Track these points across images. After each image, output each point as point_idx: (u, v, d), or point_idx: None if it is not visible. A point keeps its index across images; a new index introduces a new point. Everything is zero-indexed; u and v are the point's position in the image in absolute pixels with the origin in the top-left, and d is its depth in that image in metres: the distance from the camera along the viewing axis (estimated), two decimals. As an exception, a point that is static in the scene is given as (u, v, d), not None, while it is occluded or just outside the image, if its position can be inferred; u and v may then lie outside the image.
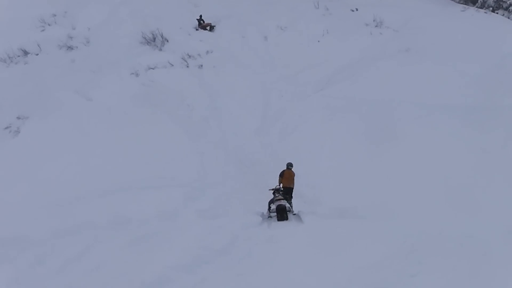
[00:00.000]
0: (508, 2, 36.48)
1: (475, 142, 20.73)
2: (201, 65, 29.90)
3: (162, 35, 31.80)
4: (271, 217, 17.74)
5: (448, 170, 19.62)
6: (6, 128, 24.10)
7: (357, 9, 35.06)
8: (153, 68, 28.80)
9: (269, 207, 17.96)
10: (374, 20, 32.89)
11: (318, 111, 25.22)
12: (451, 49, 28.01)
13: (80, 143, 22.12)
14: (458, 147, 20.68)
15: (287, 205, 17.62)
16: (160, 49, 31.15)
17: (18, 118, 24.49)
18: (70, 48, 30.52)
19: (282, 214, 17.42)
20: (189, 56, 30.41)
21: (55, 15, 33.70)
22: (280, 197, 17.79)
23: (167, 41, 31.75)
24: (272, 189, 18.39)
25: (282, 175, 18.53)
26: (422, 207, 17.34)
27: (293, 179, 18.57)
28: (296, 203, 18.81)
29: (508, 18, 35.51)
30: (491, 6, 37.15)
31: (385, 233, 14.46)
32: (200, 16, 34.36)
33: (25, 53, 29.93)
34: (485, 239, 13.15)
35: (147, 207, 17.40)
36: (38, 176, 19.98)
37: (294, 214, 17.82)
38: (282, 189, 18.28)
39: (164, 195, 18.60)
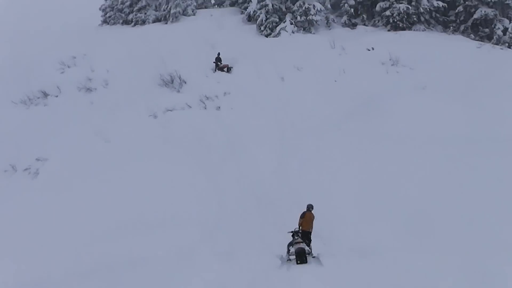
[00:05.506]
0: (523, 38, 36.64)
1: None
2: (219, 107, 30.06)
3: (180, 77, 32.14)
4: (290, 260, 17.50)
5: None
6: (26, 169, 24.31)
7: (373, 48, 35.21)
8: (171, 110, 29.02)
9: (288, 250, 17.72)
10: (390, 59, 33.03)
11: (335, 148, 25.15)
12: (467, 85, 28.05)
13: (98, 184, 22.21)
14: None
15: (307, 248, 17.37)
16: (178, 91, 31.46)
17: (37, 159, 24.71)
18: (89, 90, 30.98)
19: (301, 257, 17.16)
20: (207, 98, 30.61)
21: (74, 57, 34.35)
22: (300, 240, 17.56)
23: (185, 82, 32.08)
24: (291, 232, 18.18)
25: (303, 216, 18.24)
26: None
27: (312, 222, 18.29)
28: (315, 243, 18.56)
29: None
30: (507, 42, 37.26)
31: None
32: (218, 54, 34.68)
33: (45, 95, 30.39)
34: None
35: (165, 246, 17.41)
36: (56, 217, 20.06)
37: (314, 257, 17.54)
38: (300, 231, 18.08)
39: (181, 234, 18.59)
